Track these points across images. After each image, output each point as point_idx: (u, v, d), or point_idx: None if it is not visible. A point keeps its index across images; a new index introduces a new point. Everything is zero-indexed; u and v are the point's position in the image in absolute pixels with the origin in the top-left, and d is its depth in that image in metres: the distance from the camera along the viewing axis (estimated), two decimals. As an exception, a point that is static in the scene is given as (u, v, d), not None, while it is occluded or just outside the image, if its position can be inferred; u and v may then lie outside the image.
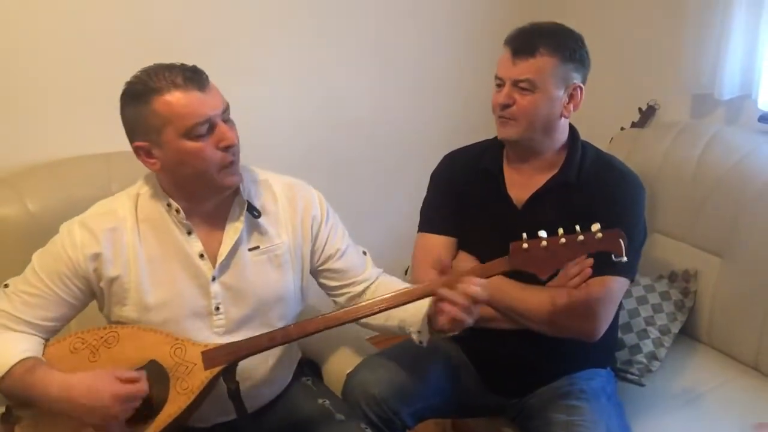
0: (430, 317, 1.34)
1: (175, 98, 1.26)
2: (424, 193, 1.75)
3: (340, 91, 2.46)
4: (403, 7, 2.48)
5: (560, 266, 1.28)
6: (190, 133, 1.27)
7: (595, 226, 1.25)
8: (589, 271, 1.42)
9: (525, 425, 1.64)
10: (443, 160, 1.74)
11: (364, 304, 1.32)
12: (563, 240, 1.25)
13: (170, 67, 1.29)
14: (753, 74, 2.04)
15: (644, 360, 1.83)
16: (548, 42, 1.48)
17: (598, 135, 2.10)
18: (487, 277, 1.30)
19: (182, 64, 1.30)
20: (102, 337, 1.34)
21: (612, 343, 1.74)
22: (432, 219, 1.69)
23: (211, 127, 1.29)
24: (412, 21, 2.53)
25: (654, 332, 1.88)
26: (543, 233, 1.26)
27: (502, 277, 1.54)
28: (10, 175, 1.83)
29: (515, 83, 1.49)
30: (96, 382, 1.24)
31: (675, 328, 1.91)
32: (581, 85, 1.53)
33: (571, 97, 1.53)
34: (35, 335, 1.34)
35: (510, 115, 1.51)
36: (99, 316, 1.46)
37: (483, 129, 1.97)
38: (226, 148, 1.30)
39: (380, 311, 1.32)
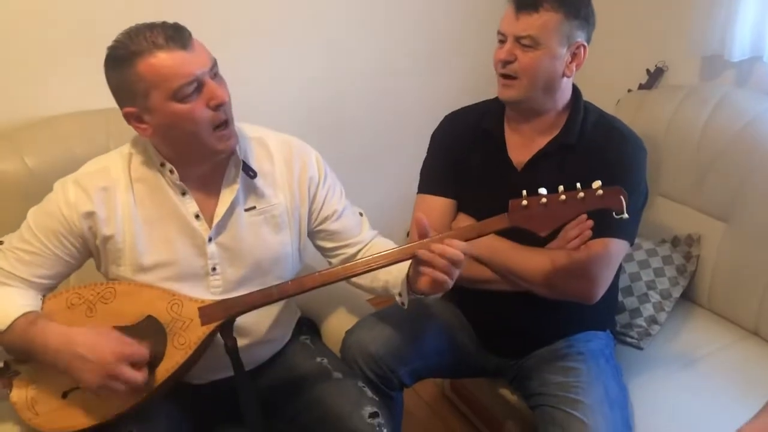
0: (410, 279, 1.33)
1: (158, 60, 1.20)
2: (424, 155, 1.72)
3: (343, 51, 2.42)
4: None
5: (560, 223, 1.27)
6: (178, 95, 1.22)
7: (596, 183, 1.23)
8: (588, 233, 1.41)
9: (523, 386, 1.65)
10: (443, 121, 1.72)
11: (346, 265, 1.31)
12: (563, 197, 1.24)
13: (151, 27, 1.23)
14: (765, 35, 1.99)
15: (644, 324, 1.82)
16: None
17: (605, 97, 2.06)
18: (487, 234, 1.29)
19: (164, 23, 1.25)
20: (99, 293, 1.34)
21: (612, 306, 1.74)
22: (432, 180, 1.67)
23: (200, 86, 1.24)
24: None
25: (655, 296, 1.87)
26: (543, 190, 1.25)
27: (501, 239, 1.54)
28: (9, 130, 1.81)
29: (517, 39, 1.46)
30: (99, 338, 1.24)
31: (676, 293, 1.90)
32: (585, 43, 1.50)
33: (574, 55, 1.49)
34: (32, 292, 1.34)
35: (512, 72, 1.48)
36: (98, 272, 1.46)
37: (486, 90, 1.94)
38: (217, 107, 1.25)
39: (363, 272, 1.31)
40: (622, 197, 1.22)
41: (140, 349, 1.25)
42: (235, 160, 1.38)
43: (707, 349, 1.79)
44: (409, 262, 1.31)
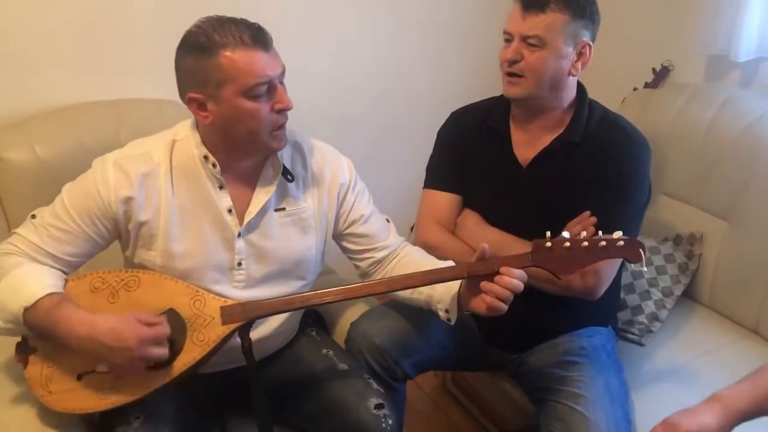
0: (461, 297, 1.36)
1: (241, 56, 1.25)
2: (429, 151, 1.74)
3: (348, 47, 2.44)
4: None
5: (579, 269, 1.31)
6: (250, 92, 1.27)
7: (617, 234, 1.27)
8: (592, 229, 1.43)
9: (524, 380, 1.67)
10: (449, 118, 1.74)
11: (392, 278, 1.36)
12: (585, 243, 1.27)
13: (236, 23, 1.28)
14: (771, 35, 2.00)
15: (645, 320, 1.85)
16: None
17: (611, 94, 2.08)
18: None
19: (246, 20, 1.29)
20: (123, 280, 1.35)
21: (614, 303, 1.76)
22: (438, 176, 1.69)
23: (270, 88, 1.30)
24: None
25: (656, 294, 1.89)
26: (566, 234, 1.28)
27: (507, 236, 1.56)
28: (20, 120, 1.83)
29: (524, 39, 1.47)
30: (120, 324, 1.25)
31: (678, 291, 1.92)
32: (590, 42, 1.51)
33: (579, 54, 1.51)
34: (58, 269, 1.35)
35: (518, 71, 1.50)
36: (110, 257, 1.47)
37: (489, 87, 1.94)
38: (280, 111, 1.32)
39: (413, 287, 1.37)
40: (641, 250, 1.27)
41: (160, 329, 1.27)
42: (274, 162, 1.42)
43: (708, 347, 1.81)
44: (456, 281, 1.36)
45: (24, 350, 1.33)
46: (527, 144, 1.59)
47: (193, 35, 1.28)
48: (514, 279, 1.26)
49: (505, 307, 1.28)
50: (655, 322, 1.85)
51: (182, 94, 1.33)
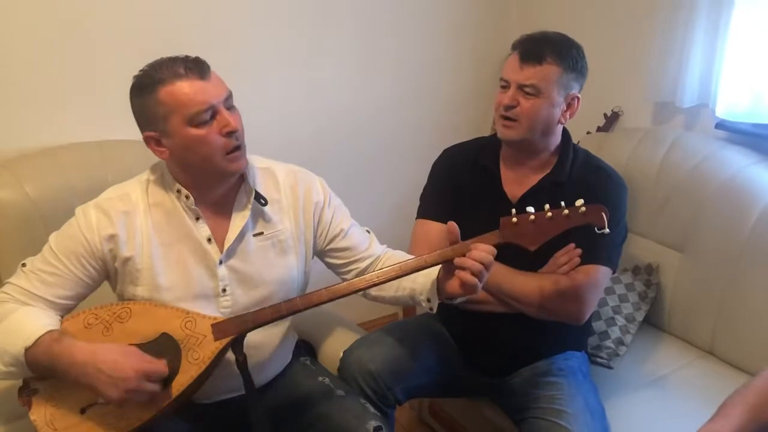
0: (439, 284, 1.41)
1: (178, 87, 1.32)
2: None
3: (324, 85, 2.53)
4: (387, 5, 2.58)
5: (547, 238, 1.36)
6: (194, 120, 1.33)
7: (579, 202, 1.35)
8: (577, 260, 1.55)
9: (508, 403, 1.75)
10: (443, 154, 1.85)
11: (371, 274, 1.38)
12: (550, 214, 1.35)
13: (173, 59, 1.35)
14: (711, 84, 2.19)
15: (612, 345, 1.97)
16: (555, 51, 1.58)
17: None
18: None
19: (186, 56, 1.36)
20: (115, 313, 1.39)
21: (586, 329, 1.88)
22: (431, 207, 1.78)
23: (214, 113, 1.35)
24: (397, 17, 2.62)
25: (620, 320, 2.03)
26: (531, 209, 1.36)
27: (497, 263, 1.66)
28: (10, 160, 1.86)
29: (520, 87, 1.59)
30: (121, 354, 1.29)
31: (639, 317, 2.06)
32: (579, 95, 1.65)
33: (569, 105, 1.64)
34: (52, 311, 1.38)
35: (513, 116, 1.61)
36: (103, 295, 1.50)
37: (461, 125, 2.04)
38: (229, 134, 1.36)
39: (389, 280, 1.38)
40: (603, 213, 1.34)
41: (160, 366, 1.31)
42: (246, 188, 1.48)
43: (670, 368, 1.95)
44: (436, 270, 1.40)
45: (26, 393, 1.35)
46: (516, 182, 1.71)
47: (137, 79, 1.37)
48: (483, 252, 1.31)
49: (477, 282, 1.31)
50: (621, 347, 1.98)
51: (141, 134, 1.40)
